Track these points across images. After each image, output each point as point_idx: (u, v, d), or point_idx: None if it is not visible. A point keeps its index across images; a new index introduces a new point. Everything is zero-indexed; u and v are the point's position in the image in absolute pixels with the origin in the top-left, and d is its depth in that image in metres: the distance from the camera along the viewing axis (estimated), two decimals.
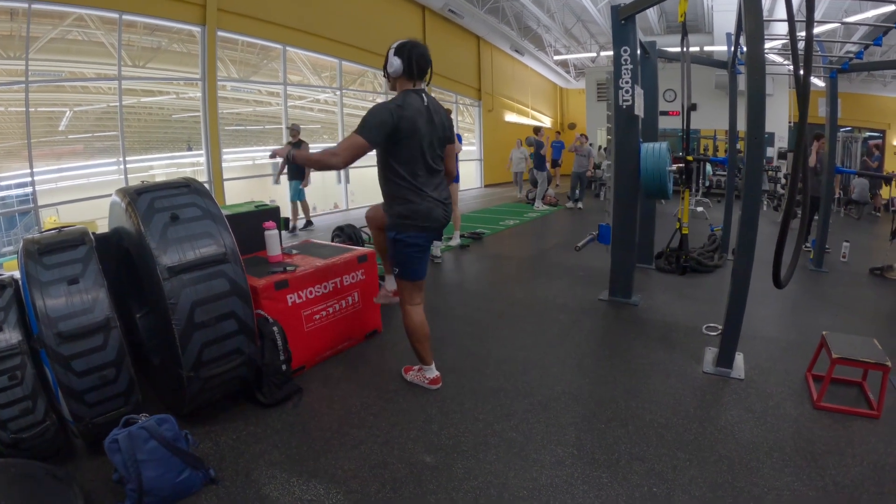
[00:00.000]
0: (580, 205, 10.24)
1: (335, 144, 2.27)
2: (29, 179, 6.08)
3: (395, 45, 2.31)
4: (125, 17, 6.71)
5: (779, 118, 12.93)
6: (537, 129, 10.24)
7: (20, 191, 6.35)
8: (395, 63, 2.28)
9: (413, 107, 2.26)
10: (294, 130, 7.44)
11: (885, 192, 10.84)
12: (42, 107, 6.60)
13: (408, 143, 2.26)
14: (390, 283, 2.70)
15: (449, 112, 5.96)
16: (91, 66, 6.93)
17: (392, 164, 2.32)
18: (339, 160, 2.19)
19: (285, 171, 2.58)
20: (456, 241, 6.42)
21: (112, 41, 6.75)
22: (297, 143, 7.10)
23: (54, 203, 6.63)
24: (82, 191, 7.04)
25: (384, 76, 2.39)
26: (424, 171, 2.35)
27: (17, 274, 2.04)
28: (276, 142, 9.62)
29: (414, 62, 2.28)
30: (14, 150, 6.22)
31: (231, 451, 2.16)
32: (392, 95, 2.39)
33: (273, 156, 2.48)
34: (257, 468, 2.04)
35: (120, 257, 2.37)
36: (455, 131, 5.92)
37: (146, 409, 2.08)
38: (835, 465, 2.02)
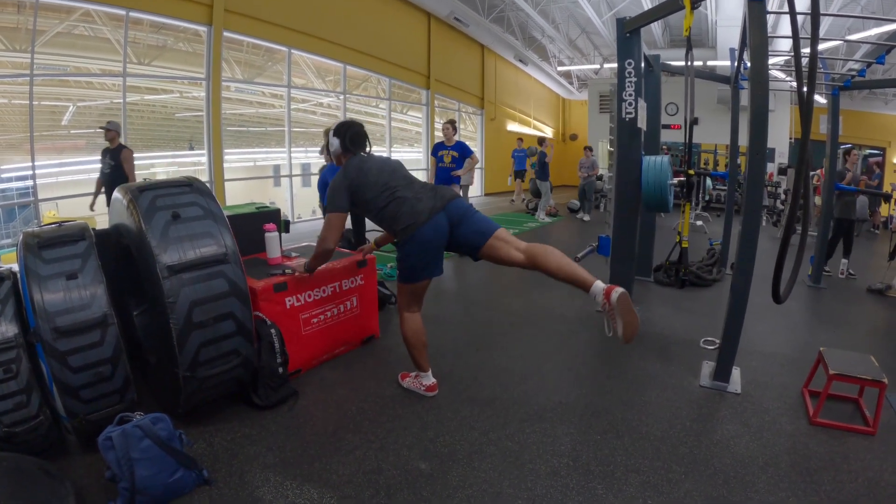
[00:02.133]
0: (580, 215, 10.26)
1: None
2: (30, 172, 6.08)
3: (333, 127, 2.68)
4: (132, 14, 6.72)
5: (780, 134, 13.00)
6: (541, 140, 10.22)
7: (20, 184, 6.34)
8: (335, 143, 2.63)
9: (353, 162, 2.55)
10: (109, 130, 5.21)
11: (884, 209, 10.90)
12: (45, 100, 6.59)
13: (366, 183, 2.48)
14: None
15: (453, 121, 5.98)
16: (96, 62, 6.94)
17: (372, 207, 2.49)
18: (329, 242, 2.52)
19: None
20: None
21: (118, 38, 6.76)
22: (118, 149, 5.20)
23: (54, 197, 6.62)
24: (82, 186, 7.03)
25: (327, 154, 2.75)
26: (396, 186, 2.47)
27: (15, 267, 2.03)
28: (277, 144, 9.64)
29: (348, 140, 2.60)
30: (16, 143, 6.22)
31: (225, 453, 2.14)
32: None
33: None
34: (251, 470, 2.03)
35: (119, 254, 2.36)
36: (464, 143, 5.93)
37: (141, 407, 2.08)
38: (830, 481, 2.02)
